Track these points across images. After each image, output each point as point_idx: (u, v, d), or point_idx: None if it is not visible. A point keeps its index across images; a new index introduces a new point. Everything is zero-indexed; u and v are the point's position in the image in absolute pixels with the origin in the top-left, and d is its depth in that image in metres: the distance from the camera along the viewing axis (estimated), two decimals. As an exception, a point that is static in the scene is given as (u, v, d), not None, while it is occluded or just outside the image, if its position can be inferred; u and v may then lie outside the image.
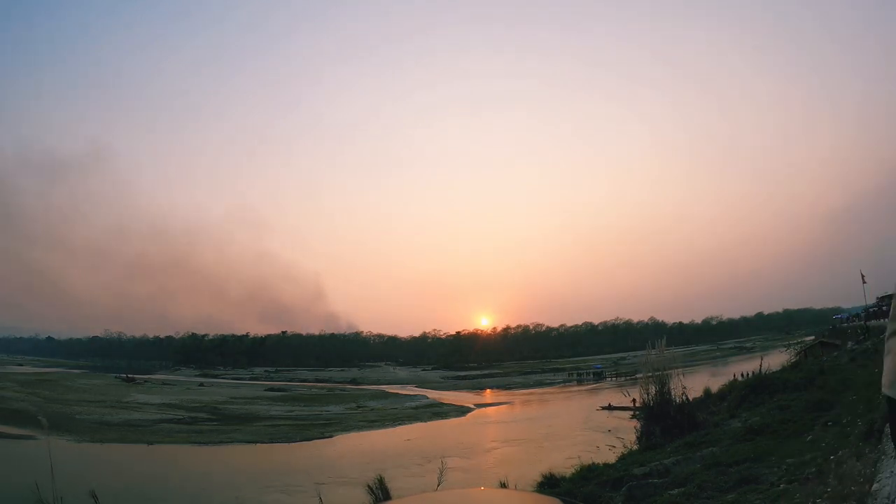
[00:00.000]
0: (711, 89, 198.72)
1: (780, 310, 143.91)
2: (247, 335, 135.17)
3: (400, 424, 44.93)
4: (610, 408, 40.38)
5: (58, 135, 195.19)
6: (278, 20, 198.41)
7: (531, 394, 72.29)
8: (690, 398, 14.45)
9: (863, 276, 50.88)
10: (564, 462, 13.52)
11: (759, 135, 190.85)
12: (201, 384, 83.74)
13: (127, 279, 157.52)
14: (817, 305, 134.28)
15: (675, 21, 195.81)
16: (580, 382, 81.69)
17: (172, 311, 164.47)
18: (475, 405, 58.74)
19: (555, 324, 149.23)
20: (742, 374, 23.88)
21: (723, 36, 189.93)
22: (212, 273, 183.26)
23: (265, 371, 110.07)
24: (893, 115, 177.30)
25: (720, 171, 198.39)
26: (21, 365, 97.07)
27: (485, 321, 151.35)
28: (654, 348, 14.59)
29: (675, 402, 13.48)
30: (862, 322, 42.11)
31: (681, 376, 14.06)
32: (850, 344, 28.47)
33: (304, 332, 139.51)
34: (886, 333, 1.61)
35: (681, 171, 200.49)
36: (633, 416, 16.23)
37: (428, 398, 64.41)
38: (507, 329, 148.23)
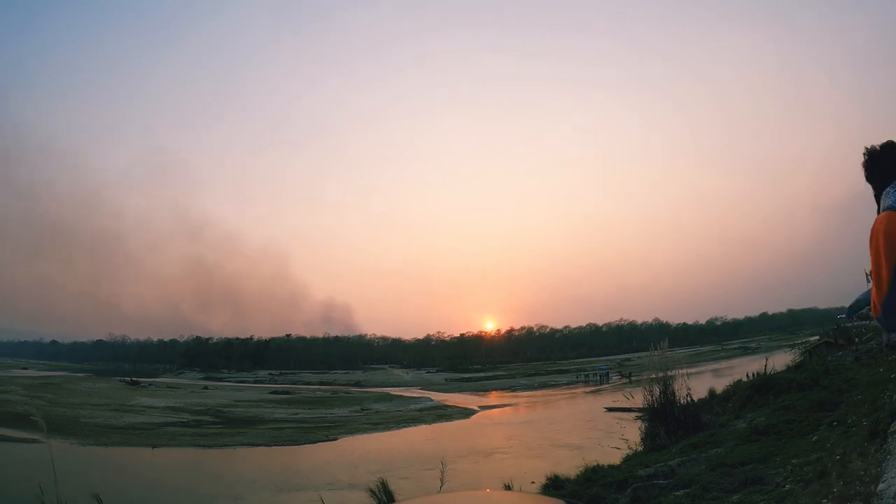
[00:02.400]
0: (712, 89, 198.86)
1: (784, 310, 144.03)
2: (251, 338, 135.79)
3: (404, 427, 44.85)
4: (614, 409, 40.27)
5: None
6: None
7: (536, 395, 72.10)
8: (695, 399, 14.38)
9: (867, 276, 50.82)
10: (569, 464, 13.49)
11: (761, 132, 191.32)
12: (205, 387, 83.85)
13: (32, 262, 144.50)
14: (822, 305, 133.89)
15: (675, 19, 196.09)
16: (586, 383, 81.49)
17: (121, 306, 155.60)
18: (479, 407, 58.59)
19: (559, 325, 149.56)
20: (747, 375, 23.77)
21: (723, 33, 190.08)
22: (140, 247, 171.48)
23: (269, 374, 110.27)
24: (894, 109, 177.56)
25: (723, 169, 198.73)
26: (25, 369, 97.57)
27: (490, 325, 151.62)
28: (657, 349, 14.53)
29: (680, 402, 13.41)
30: (867, 322, 41.89)
31: (685, 377, 13.99)
32: (855, 342, 28.34)
33: (307, 335, 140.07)
34: None
35: (683, 169, 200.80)
36: (638, 418, 16.17)
37: (432, 400, 64.29)
38: (511, 331, 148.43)
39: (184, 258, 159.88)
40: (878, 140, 2.39)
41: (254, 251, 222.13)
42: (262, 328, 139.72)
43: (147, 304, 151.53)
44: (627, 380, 65.33)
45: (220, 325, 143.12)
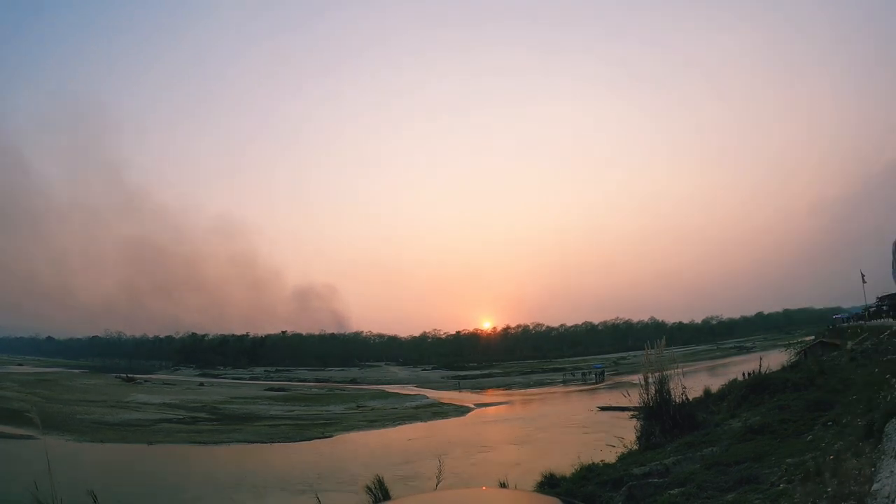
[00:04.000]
0: (715, 87, 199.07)
1: (779, 309, 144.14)
2: (247, 335, 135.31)
3: (400, 424, 44.93)
4: (610, 408, 40.37)
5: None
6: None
7: (531, 393, 72.27)
8: (690, 398, 14.39)
9: (863, 276, 50.98)
10: (564, 462, 13.52)
11: (761, 131, 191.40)
12: (201, 384, 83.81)
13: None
14: (817, 305, 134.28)
15: (677, 14, 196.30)
16: (582, 382, 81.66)
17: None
18: (475, 405, 58.71)
19: (555, 323, 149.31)
20: (742, 374, 23.85)
21: (724, 29, 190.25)
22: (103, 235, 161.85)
23: (265, 371, 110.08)
24: (892, 109, 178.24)
25: (723, 168, 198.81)
26: (21, 365, 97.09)
27: (486, 323, 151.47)
28: (653, 348, 14.52)
29: (675, 401, 13.42)
30: (862, 322, 42.15)
31: (680, 376, 13.99)
32: (849, 344, 28.46)
33: (303, 331, 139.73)
34: None
35: (680, 171, 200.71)
36: (633, 416, 16.19)
37: (428, 398, 64.39)
38: (507, 329, 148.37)
39: (175, 252, 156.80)
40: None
41: (246, 248, 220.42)
42: (258, 323, 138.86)
43: (147, 300, 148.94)
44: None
45: (220, 319, 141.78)
